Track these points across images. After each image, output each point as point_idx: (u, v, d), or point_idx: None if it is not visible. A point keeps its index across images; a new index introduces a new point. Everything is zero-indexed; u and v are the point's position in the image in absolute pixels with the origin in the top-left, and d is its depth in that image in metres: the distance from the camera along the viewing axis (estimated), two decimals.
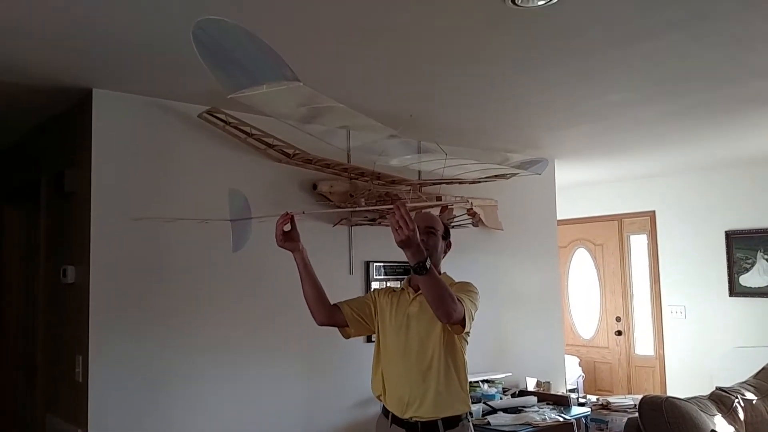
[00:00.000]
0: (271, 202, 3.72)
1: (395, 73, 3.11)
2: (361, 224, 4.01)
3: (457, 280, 2.56)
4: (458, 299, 2.20)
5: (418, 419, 2.35)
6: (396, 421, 2.41)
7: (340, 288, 3.96)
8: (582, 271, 7.33)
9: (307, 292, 2.48)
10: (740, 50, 2.90)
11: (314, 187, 3.83)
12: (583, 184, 6.91)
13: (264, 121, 3.39)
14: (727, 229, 6.07)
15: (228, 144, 3.55)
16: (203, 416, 3.40)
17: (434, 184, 4.42)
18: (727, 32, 2.68)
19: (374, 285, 4.11)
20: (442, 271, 2.56)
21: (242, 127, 3.39)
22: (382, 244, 4.11)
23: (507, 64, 3.03)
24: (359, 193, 3.92)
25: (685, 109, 3.96)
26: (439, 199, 4.45)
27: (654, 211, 6.66)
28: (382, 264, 4.19)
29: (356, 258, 4.07)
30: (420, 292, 2.46)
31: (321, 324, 2.55)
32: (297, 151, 3.59)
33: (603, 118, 4.10)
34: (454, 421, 2.36)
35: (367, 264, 4.12)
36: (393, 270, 4.26)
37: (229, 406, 3.49)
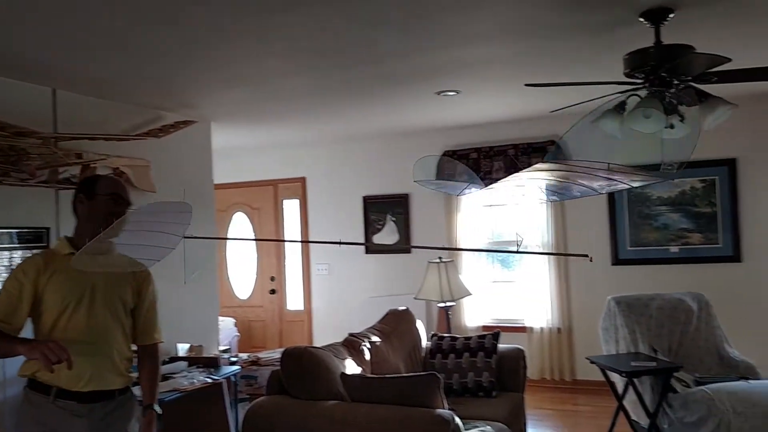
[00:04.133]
0: None
1: (25, 13, 2.65)
2: None
3: None
4: (157, 337, 2.51)
5: (96, 389, 2.31)
6: (63, 395, 2.26)
7: None
8: (241, 234, 7.50)
9: None
10: (374, 32, 3.23)
11: None
12: (242, 148, 7.01)
13: None
14: (364, 195, 6.87)
15: None
16: None
17: (73, 138, 3.95)
18: (362, 13, 2.94)
19: None
20: None
21: None
22: (4, 205, 3.52)
23: (152, 15, 2.83)
24: None
25: (333, 83, 4.28)
26: (79, 156, 4.01)
27: (305, 178, 7.16)
28: (6, 230, 3.57)
29: None
30: None
31: None
32: None
33: (258, 84, 4.18)
34: (126, 389, 2.42)
35: None
36: (23, 237, 3.68)
37: None
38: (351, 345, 3.77)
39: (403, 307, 4.56)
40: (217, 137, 5.57)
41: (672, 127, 2.88)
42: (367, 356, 3.79)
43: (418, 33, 3.26)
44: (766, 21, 3.28)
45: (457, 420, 2.85)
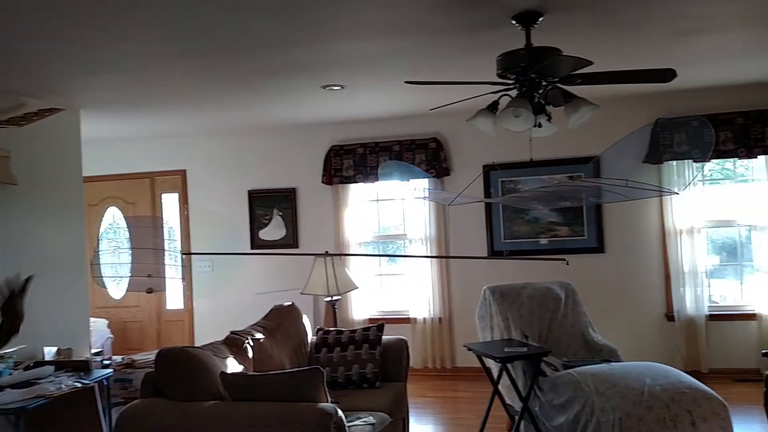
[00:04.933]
0: None
1: None
2: None
3: None
4: None
5: None
6: None
7: None
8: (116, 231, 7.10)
9: None
10: (250, 21, 3.15)
11: None
12: (115, 138, 6.62)
13: None
14: (249, 189, 6.73)
15: None
16: None
17: None
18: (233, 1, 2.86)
19: None
20: None
21: None
22: None
23: None
24: None
25: (212, 73, 4.14)
26: None
27: (185, 170, 6.89)
28: None
29: None
30: None
31: None
32: None
33: (130, 70, 3.96)
34: None
35: None
36: None
37: None
38: (233, 343, 3.68)
39: (289, 303, 4.51)
40: (87, 126, 5.22)
41: (540, 126, 3.06)
42: (250, 354, 3.71)
43: (298, 25, 3.22)
44: (624, 28, 3.56)
45: (340, 412, 2.86)
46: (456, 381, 6.01)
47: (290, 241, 6.66)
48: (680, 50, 4.06)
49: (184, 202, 6.88)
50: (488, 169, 6.12)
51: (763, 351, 4.29)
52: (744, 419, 4.40)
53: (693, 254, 5.67)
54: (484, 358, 4.16)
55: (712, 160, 5.74)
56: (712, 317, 5.71)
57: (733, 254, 5.95)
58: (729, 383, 5.37)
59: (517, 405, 4.01)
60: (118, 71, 3.97)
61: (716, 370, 5.63)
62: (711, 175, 5.95)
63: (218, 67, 4.01)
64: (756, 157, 5.53)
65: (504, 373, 4.01)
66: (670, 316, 5.80)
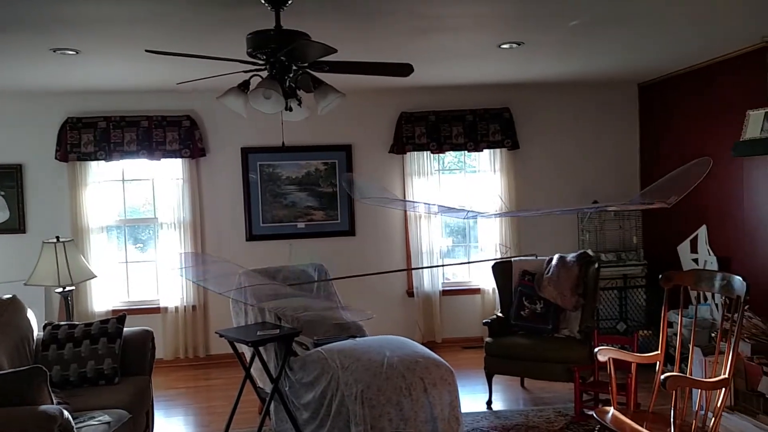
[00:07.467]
0: None
1: None
2: None
3: None
4: None
5: None
6: None
7: None
8: None
9: None
10: None
11: None
12: None
13: None
14: None
15: None
16: None
17: None
18: None
19: None
20: None
21: None
22: None
23: None
24: None
25: None
26: None
27: None
28: None
29: None
30: None
31: None
32: None
33: None
34: None
35: None
36: None
37: None
38: None
39: (8, 296, 3.94)
40: None
41: (290, 110, 3.07)
42: None
43: None
44: (366, 21, 3.70)
45: (66, 414, 2.58)
46: (209, 369, 5.85)
47: (15, 225, 5.82)
48: (419, 47, 4.40)
49: None
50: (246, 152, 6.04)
51: (484, 321, 4.92)
52: (469, 382, 5.00)
53: (430, 236, 6.26)
54: (237, 344, 4.09)
55: (448, 152, 6.37)
56: (445, 293, 6.38)
57: (463, 236, 6.71)
58: (458, 351, 6.07)
59: (269, 387, 4.03)
60: None
61: (448, 339, 6.31)
62: (448, 166, 6.60)
63: None
64: (482, 151, 6.28)
65: (256, 356, 3.99)
66: (410, 293, 6.34)
